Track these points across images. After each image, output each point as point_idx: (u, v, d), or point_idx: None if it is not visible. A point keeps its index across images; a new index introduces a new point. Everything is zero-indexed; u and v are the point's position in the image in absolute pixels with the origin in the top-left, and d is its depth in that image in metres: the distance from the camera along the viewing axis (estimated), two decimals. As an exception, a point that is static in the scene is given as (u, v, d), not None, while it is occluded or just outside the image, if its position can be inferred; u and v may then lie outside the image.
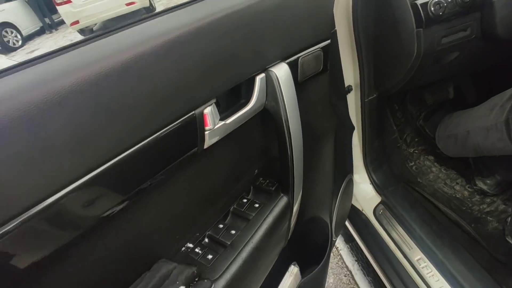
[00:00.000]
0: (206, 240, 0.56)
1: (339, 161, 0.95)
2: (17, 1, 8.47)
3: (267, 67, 0.58)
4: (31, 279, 0.35)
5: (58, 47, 0.40)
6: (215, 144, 0.52)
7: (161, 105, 0.42)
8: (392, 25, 0.91)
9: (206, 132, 0.48)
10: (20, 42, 8.35)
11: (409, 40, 0.84)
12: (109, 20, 7.16)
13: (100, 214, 0.38)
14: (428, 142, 1.56)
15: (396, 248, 1.18)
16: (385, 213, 1.29)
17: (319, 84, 0.75)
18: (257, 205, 0.60)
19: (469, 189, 1.37)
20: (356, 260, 1.40)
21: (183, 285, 0.43)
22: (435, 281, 1.05)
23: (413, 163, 1.53)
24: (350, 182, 1.10)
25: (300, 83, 0.66)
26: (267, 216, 0.58)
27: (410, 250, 1.15)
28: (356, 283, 1.40)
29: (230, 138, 0.57)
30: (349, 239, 1.50)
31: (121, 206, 0.40)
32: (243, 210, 0.60)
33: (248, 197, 0.64)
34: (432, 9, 0.81)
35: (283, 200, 0.62)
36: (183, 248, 0.54)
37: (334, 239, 1.01)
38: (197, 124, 0.47)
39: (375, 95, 1.15)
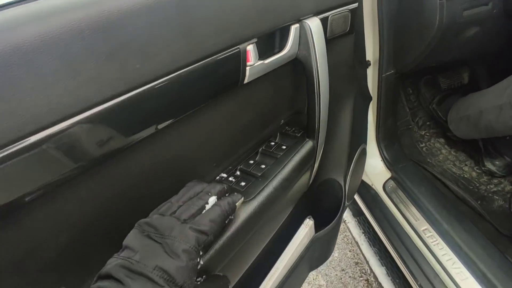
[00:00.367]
0: (238, 172, 0.61)
1: (355, 129, 1.00)
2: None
3: (301, 18, 0.63)
4: (71, 195, 0.40)
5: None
6: (251, 84, 0.57)
7: (213, 33, 0.47)
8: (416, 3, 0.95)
9: (248, 67, 0.54)
10: None
11: (432, 11, 0.88)
12: None
13: (145, 134, 0.43)
14: (440, 125, 1.60)
15: (404, 219, 1.23)
16: (395, 188, 1.34)
17: (345, 45, 0.79)
18: (284, 147, 0.66)
19: (477, 170, 1.41)
20: (363, 232, 1.46)
21: (214, 195, 0.47)
22: (440, 249, 1.10)
23: (423, 145, 1.57)
24: (364, 152, 1.15)
25: (328, 40, 0.70)
26: (293, 155, 0.64)
27: (416, 221, 1.20)
28: (362, 253, 1.46)
29: (263, 82, 0.62)
30: (356, 213, 1.55)
31: (167, 123, 0.45)
32: (271, 150, 0.66)
33: (276, 141, 0.69)
34: (456, -20, 0.85)
35: (309, 144, 0.68)
36: (218, 177, 0.60)
37: (346, 203, 1.06)
38: (241, 58, 0.52)
39: (392, 71, 1.19)
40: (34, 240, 0.38)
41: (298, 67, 0.68)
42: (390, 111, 1.36)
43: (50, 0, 0.35)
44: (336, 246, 1.77)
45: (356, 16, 0.77)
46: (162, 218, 0.42)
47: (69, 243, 0.41)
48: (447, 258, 1.07)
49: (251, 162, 0.63)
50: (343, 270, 1.66)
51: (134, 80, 0.39)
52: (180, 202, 0.46)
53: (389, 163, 1.39)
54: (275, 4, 0.57)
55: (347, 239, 1.79)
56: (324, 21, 0.67)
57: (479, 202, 1.25)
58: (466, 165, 1.45)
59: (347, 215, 1.60)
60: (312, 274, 1.67)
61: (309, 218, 0.90)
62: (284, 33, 0.63)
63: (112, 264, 0.37)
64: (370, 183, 1.43)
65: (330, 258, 1.72)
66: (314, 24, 0.63)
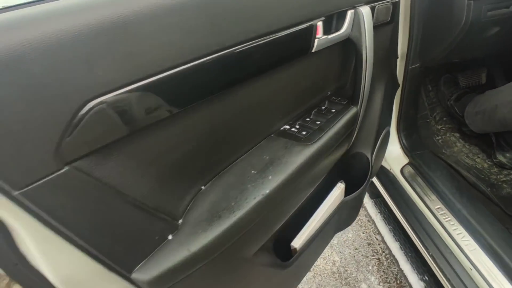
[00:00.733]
0: (297, 126, 0.76)
1: (384, 111, 1.14)
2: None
3: (355, 5, 0.77)
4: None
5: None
6: (314, 55, 0.71)
7: (297, 9, 0.62)
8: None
9: (316, 39, 0.68)
10: None
11: (460, 10, 1.01)
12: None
13: (229, 85, 0.55)
14: (456, 121, 1.72)
15: (419, 199, 1.36)
16: (412, 172, 1.47)
17: (384, 33, 0.93)
18: (333, 110, 0.80)
19: (488, 162, 1.53)
20: (379, 212, 1.59)
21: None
22: (451, 225, 1.23)
23: (439, 137, 1.69)
24: (388, 134, 1.28)
25: (374, 27, 0.85)
26: (342, 117, 0.78)
27: (431, 201, 1.33)
28: (377, 230, 1.59)
29: (321, 55, 0.77)
30: (373, 195, 1.69)
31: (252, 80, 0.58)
32: (323, 112, 0.80)
33: (325, 106, 0.83)
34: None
35: (353, 110, 0.82)
36: (281, 128, 0.74)
37: (371, 177, 1.20)
38: (313, 31, 0.67)
39: (417, 64, 1.32)
40: (155, 154, 0.50)
41: (346, 46, 0.82)
42: (412, 103, 1.49)
43: None
44: (350, 227, 1.90)
45: (396, 9, 0.91)
46: None
47: (175, 160, 0.54)
48: (458, 232, 1.20)
49: (307, 119, 0.78)
50: (356, 249, 1.79)
51: (233, 39, 0.52)
52: None
53: (407, 150, 1.52)
54: None
55: (361, 222, 1.92)
56: (372, 10, 0.81)
57: (489, 189, 1.38)
58: (478, 157, 1.57)
59: (365, 197, 1.74)
60: (327, 251, 1.81)
61: (341, 182, 1.05)
62: (340, 16, 0.77)
63: None
64: (388, 168, 1.56)
65: (344, 238, 1.86)
66: (365, 11, 0.77)
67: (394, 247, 1.42)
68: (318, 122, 0.75)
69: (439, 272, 1.19)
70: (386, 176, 1.56)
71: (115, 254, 0.44)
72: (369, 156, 1.13)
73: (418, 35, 1.21)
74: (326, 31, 0.74)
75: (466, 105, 1.59)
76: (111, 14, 0.38)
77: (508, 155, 1.45)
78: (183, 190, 0.54)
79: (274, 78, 0.67)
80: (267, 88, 0.67)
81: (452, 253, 1.19)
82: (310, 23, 0.65)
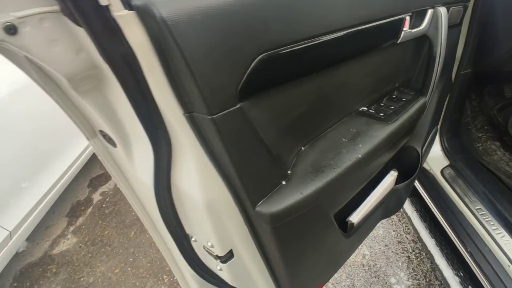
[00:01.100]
0: (373, 109, 0.85)
1: (436, 110, 1.21)
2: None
3: (435, 6, 0.85)
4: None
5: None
6: (396, 46, 0.80)
7: (395, 2, 0.71)
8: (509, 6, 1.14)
9: (403, 32, 0.77)
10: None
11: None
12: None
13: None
14: (497, 131, 1.76)
15: (459, 199, 1.41)
16: (452, 174, 1.53)
17: (452, 35, 1.01)
18: (404, 99, 0.89)
19: (529, 172, 1.56)
20: (415, 210, 1.65)
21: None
22: (491, 224, 1.28)
23: (480, 145, 1.74)
24: (436, 132, 1.35)
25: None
26: (413, 104, 0.87)
27: (471, 202, 1.39)
28: (408, 228, 1.65)
29: (400, 48, 0.85)
30: (410, 194, 1.74)
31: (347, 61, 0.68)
32: (394, 100, 0.89)
33: (395, 95, 0.92)
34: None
35: (422, 100, 0.90)
36: (360, 109, 0.84)
37: (419, 171, 1.27)
38: (402, 24, 0.75)
39: (470, 69, 1.38)
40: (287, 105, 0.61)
41: (420, 42, 0.91)
42: (458, 108, 1.55)
43: None
44: (381, 225, 1.96)
45: (465, 12, 0.99)
46: None
47: (292, 118, 0.65)
48: (497, 232, 1.26)
49: (381, 104, 0.86)
50: (386, 245, 1.85)
51: (355, 20, 0.63)
52: None
53: (449, 152, 1.58)
54: None
55: (392, 221, 1.98)
56: (446, 10, 0.90)
57: (529, 196, 1.42)
58: (519, 166, 1.60)
59: (400, 195, 1.80)
60: (357, 244, 1.88)
61: (394, 171, 1.12)
62: (421, 14, 0.85)
63: None
64: (428, 168, 1.62)
65: (375, 234, 1.92)
66: (443, 11, 0.86)
67: (430, 243, 1.47)
68: (392, 107, 0.84)
69: (476, 268, 1.25)
70: (425, 176, 1.62)
71: (246, 187, 0.54)
72: (419, 151, 1.20)
73: (475, 41, 1.27)
74: (410, 26, 0.82)
75: (509, 115, 1.63)
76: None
77: (550, 166, 1.48)
78: (291, 145, 0.64)
79: (362, 62, 0.76)
80: (356, 71, 0.76)
81: (490, 250, 1.24)
82: (401, 16, 0.74)
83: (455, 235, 1.35)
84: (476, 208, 1.36)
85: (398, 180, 1.18)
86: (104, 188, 2.58)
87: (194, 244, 0.70)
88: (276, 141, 0.57)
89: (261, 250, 0.70)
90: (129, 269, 1.93)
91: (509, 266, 1.17)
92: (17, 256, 2.07)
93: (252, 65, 0.45)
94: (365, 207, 1.02)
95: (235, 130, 0.47)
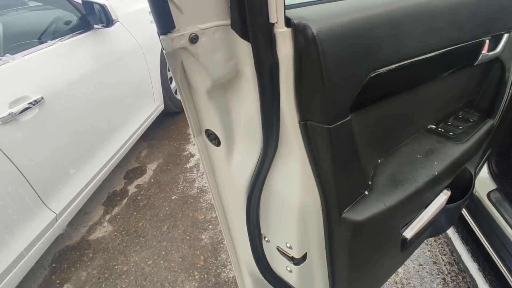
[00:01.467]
0: (440, 127, 0.86)
1: (497, 133, 1.20)
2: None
3: (511, 30, 0.86)
4: None
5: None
6: (471, 68, 0.81)
7: (475, 28, 0.72)
8: None
9: (481, 54, 0.78)
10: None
11: None
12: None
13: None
14: (547, 158, 1.70)
15: (507, 224, 1.38)
16: (499, 198, 1.49)
17: None
18: (471, 120, 0.89)
19: None
20: (456, 231, 1.62)
21: None
22: (543, 255, 1.24)
23: (529, 171, 1.68)
24: (489, 155, 1.33)
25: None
26: (481, 126, 0.87)
27: (520, 228, 1.35)
28: (455, 248, 1.61)
29: (471, 69, 0.86)
30: (451, 215, 1.71)
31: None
32: (460, 120, 0.89)
33: (461, 115, 0.93)
34: None
35: (490, 122, 0.90)
36: (428, 126, 0.85)
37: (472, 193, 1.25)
38: (481, 47, 0.77)
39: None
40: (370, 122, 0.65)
41: (489, 65, 0.91)
42: (510, 130, 1.51)
43: None
44: (416, 243, 1.93)
45: None
46: None
47: (375, 131, 0.68)
48: (549, 262, 1.22)
49: (449, 123, 0.88)
50: (420, 265, 1.82)
51: (440, 45, 0.65)
52: None
53: (496, 176, 1.54)
54: (501, 18, 0.81)
55: (427, 241, 1.94)
56: None
57: None
58: None
59: (440, 215, 1.76)
60: (390, 261, 1.85)
61: (447, 189, 1.12)
62: (497, 38, 0.86)
63: None
64: (473, 190, 1.59)
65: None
66: (513, 36, 0.86)
67: (472, 267, 1.44)
68: (461, 127, 0.85)
69: (524, 297, 1.21)
70: (470, 199, 1.58)
71: (337, 194, 0.57)
72: (472, 172, 1.19)
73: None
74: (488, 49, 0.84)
75: None
76: (392, 11, 0.51)
77: None
78: (372, 157, 0.67)
79: (440, 81, 0.78)
80: (433, 90, 0.78)
81: (541, 281, 1.20)
82: (483, 39, 0.76)
83: (501, 262, 1.32)
84: (526, 236, 1.32)
85: (449, 200, 1.17)
86: (139, 181, 2.68)
87: (265, 244, 0.73)
88: (363, 152, 0.60)
89: (330, 256, 0.72)
90: (161, 262, 1.99)
91: (561, 298, 1.13)
92: (56, 239, 2.18)
93: (365, 81, 0.49)
94: (418, 223, 1.02)
95: (343, 140, 0.50)
